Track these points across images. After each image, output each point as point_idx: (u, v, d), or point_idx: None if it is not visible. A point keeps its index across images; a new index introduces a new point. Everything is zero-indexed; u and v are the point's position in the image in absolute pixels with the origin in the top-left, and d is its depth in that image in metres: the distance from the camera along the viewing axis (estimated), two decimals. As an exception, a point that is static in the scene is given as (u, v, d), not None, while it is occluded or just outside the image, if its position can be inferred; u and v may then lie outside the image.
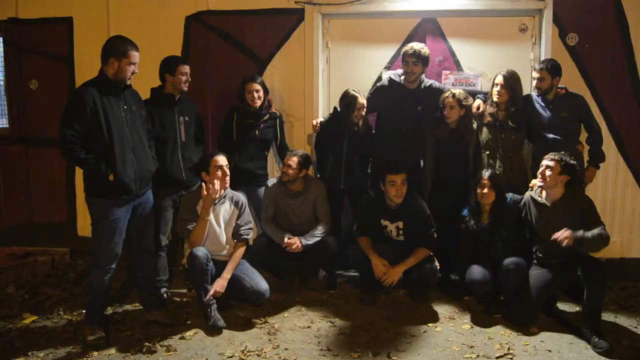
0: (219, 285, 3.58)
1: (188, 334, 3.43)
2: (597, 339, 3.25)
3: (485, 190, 3.65)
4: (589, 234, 3.33)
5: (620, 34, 4.26)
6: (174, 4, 4.64)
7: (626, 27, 4.24)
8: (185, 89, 3.87)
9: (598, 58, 4.29)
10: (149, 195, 3.53)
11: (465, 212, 3.79)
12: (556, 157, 3.44)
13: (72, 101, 3.18)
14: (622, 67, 4.28)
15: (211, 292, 3.54)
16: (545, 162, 3.47)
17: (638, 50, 4.26)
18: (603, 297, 3.39)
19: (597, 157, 4.04)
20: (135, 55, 3.27)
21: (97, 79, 3.25)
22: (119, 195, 3.27)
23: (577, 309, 3.75)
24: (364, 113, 4.07)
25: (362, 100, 4.03)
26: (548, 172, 3.44)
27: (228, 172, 3.67)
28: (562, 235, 3.32)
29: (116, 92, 3.26)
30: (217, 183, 3.59)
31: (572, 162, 3.44)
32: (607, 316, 3.65)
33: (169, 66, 3.82)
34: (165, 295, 3.89)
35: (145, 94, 3.89)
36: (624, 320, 3.63)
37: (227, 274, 3.64)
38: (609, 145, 4.25)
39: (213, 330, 3.45)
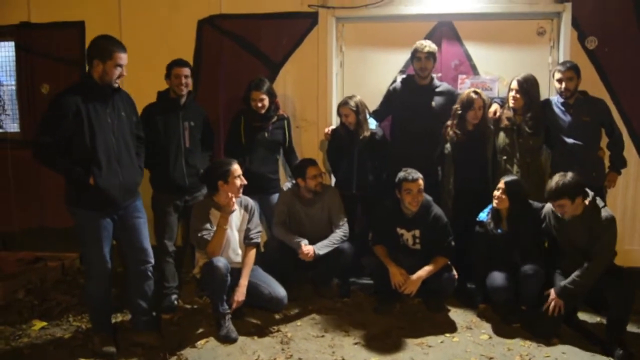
0: (240, 294, 3.54)
1: (199, 342, 3.36)
2: (620, 351, 3.15)
3: (499, 194, 3.57)
4: (574, 280, 3.28)
5: (641, 35, 4.17)
6: (186, 7, 4.60)
7: (647, 29, 4.16)
8: (182, 92, 3.79)
9: (618, 62, 4.20)
10: (138, 205, 3.30)
11: (482, 216, 3.71)
12: (560, 193, 3.22)
13: (51, 109, 2.97)
14: (643, 70, 4.19)
15: (234, 305, 3.50)
16: (554, 203, 3.30)
17: (659, 53, 4.16)
18: (629, 309, 3.27)
19: (619, 162, 3.94)
20: (121, 57, 3.01)
21: (81, 83, 3.05)
22: (101, 207, 3.08)
23: (599, 319, 3.64)
24: (352, 120, 4.01)
25: (346, 106, 3.99)
26: (565, 210, 3.28)
27: (245, 181, 3.59)
28: (550, 304, 3.34)
29: (103, 96, 3.04)
30: (239, 193, 3.53)
31: (577, 185, 3.24)
32: (630, 327, 3.53)
33: (167, 69, 3.80)
34: (176, 302, 3.84)
35: (154, 99, 3.87)
36: (646, 331, 3.53)
37: (244, 281, 3.58)
38: (629, 151, 4.15)
39: (225, 341, 3.37)
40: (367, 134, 4.01)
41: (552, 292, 3.37)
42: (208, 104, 4.27)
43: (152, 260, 3.36)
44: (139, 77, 4.60)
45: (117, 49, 3.01)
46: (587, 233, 3.30)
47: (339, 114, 4.11)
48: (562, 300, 3.33)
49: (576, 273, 3.29)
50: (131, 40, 4.58)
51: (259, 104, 4.00)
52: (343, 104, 4.04)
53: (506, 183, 3.57)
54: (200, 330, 3.53)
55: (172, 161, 3.78)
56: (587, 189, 3.32)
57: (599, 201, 3.33)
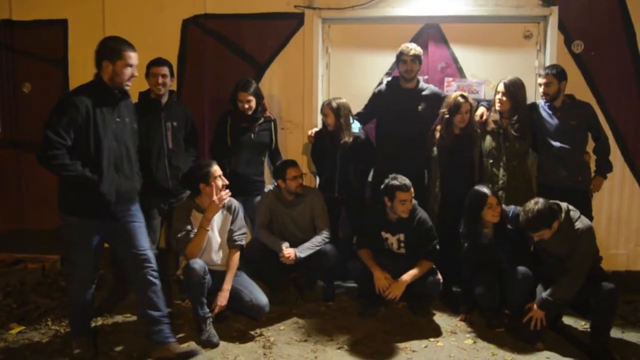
0: (222, 298, 3.48)
1: (181, 346, 3.29)
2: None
3: (495, 208, 3.50)
4: (553, 292, 3.25)
5: (627, 41, 4.17)
6: (171, 6, 4.54)
7: (633, 34, 4.16)
8: (160, 91, 3.73)
9: (604, 66, 4.20)
10: (133, 210, 3.17)
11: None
12: (540, 224, 3.17)
13: (64, 107, 2.85)
14: (629, 76, 4.19)
15: (216, 310, 3.45)
16: (533, 235, 3.25)
17: (645, 55, 4.17)
18: (613, 315, 3.27)
19: (605, 166, 3.94)
20: (131, 56, 2.94)
21: (92, 86, 2.96)
22: (98, 214, 2.97)
23: (583, 323, 3.63)
24: (331, 122, 3.97)
25: (326, 107, 3.98)
26: (544, 237, 3.23)
27: (226, 181, 3.54)
28: (531, 314, 3.33)
29: (112, 101, 2.97)
30: (224, 193, 3.47)
31: (551, 210, 3.18)
32: (614, 332, 3.52)
33: (146, 69, 3.73)
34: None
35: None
36: (632, 336, 3.51)
37: (227, 285, 3.52)
38: (615, 155, 4.14)
39: (206, 346, 3.31)
40: (348, 139, 3.96)
41: (534, 305, 3.34)
42: (193, 105, 4.21)
43: (153, 264, 3.16)
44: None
45: (127, 48, 2.95)
46: (565, 244, 3.27)
47: (322, 112, 4.07)
48: (544, 312, 3.30)
49: (555, 285, 3.27)
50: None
51: (246, 105, 3.95)
52: (326, 104, 4.01)
53: (494, 194, 3.54)
54: (181, 335, 3.46)
55: (155, 163, 3.73)
56: (559, 203, 3.27)
57: (572, 213, 3.27)
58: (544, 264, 3.48)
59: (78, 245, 3.07)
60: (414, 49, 3.93)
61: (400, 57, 3.96)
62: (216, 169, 3.50)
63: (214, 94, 4.53)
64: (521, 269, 3.48)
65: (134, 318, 3.71)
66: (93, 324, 3.47)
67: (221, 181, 3.50)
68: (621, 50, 4.19)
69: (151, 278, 3.13)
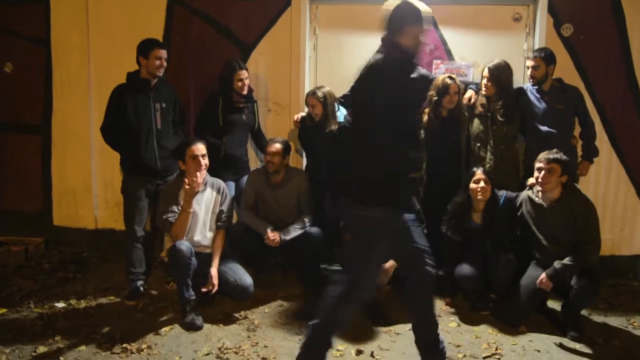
0: (214, 276, 3.49)
1: (164, 329, 3.29)
2: (574, 333, 3.26)
3: (483, 185, 3.52)
4: (568, 264, 3.24)
5: (616, 25, 4.13)
6: (156, -15, 4.44)
7: (622, 18, 4.12)
8: (159, 74, 3.70)
9: (593, 50, 4.17)
10: None
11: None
12: (556, 158, 3.26)
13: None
14: (617, 60, 4.16)
15: (212, 288, 3.47)
16: (542, 164, 3.28)
17: (634, 43, 4.13)
18: (591, 301, 3.37)
19: (591, 151, 3.94)
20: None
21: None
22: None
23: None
24: (318, 112, 3.93)
25: (312, 97, 3.94)
26: (548, 175, 3.27)
27: (203, 162, 3.49)
28: (540, 283, 3.30)
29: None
30: (199, 175, 3.42)
31: (567, 160, 3.31)
32: (596, 316, 3.57)
33: (143, 50, 3.65)
34: (142, 288, 3.75)
35: (124, 79, 3.74)
36: (613, 320, 3.54)
37: (215, 270, 3.52)
38: (601, 139, 4.14)
39: (189, 328, 3.30)
40: (333, 127, 3.92)
41: (544, 274, 3.30)
42: (178, 85, 4.13)
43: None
44: (107, 58, 4.50)
45: None
46: (567, 219, 3.29)
47: (306, 103, 4.02)
48: (552, 282, 3.28)
49: (569, 258, 3.25)
50: (98, 20, 4.51)
51: (245, 82, 3.98)
52: (311, 94, 3.96)
53: (484, 172, 3.56)
54: (166, 317, 3.46)
55: (144, 143, 3.69)
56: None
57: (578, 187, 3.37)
58: (536, 245, 3.49)
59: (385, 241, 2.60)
60: None
61: None
62: (195, 149, 3.46)
63: (200, 74, 4.46)
64: (505, 255, 3.49)
65: (118, 300, 3.69)
66: (76, 307, 3.44)
67: (195, 164, 3.44)
68: (610, 34, 4.15)
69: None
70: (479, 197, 3.54)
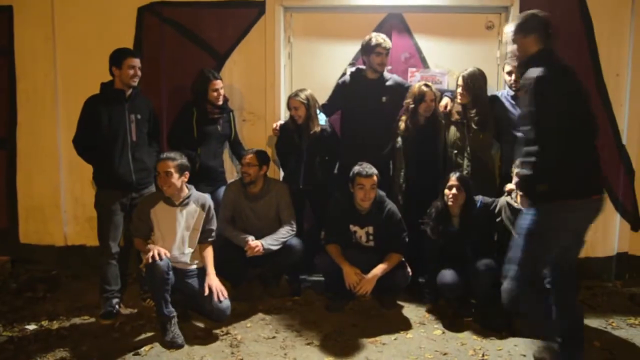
0: (212, 279, 3.47)
1: (143, 349, 3.17)
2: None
3: (455, 192, 3.54)
4: None
5: (585, 33, 4.22)
6: (126, -7, 4.33)
7: (591, 27, 4.21)
8: (134, 84, 3.59)
9: (563, 56, 4.17)
10: None
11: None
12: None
13: None
14: (587, 66, 4.24)
15: (221, 294, 3.42)
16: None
17: (602, 51, 4.23)
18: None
19: (565, 156, 3.99)
20: None
21: None
22: None
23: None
24: (302, 112, 3.90)
25: (294, 99, 3.90)
26: None
27: (170, 178, 3.39)
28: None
29: None
30: (155, 250, 3.30)
31: None
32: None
33: (116, 59, 3.54)
34: (117, 306, 3.62)
35: (93, 89, 3.62)
36: (593, 321, 3.59)
37: (211, 271, 3.51)
38: (574, 144, 4.21)
39: (170, 347, 3.19)
40: (317, 129, 3.91)
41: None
42: (150, 96, 4.02)
43: None
44: (76, 67, 4.35)
45: None
46: None
47: (288, 107, 3.98)
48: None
49: None
50: (65, 28, 4.37)
51: (220, 92, 3.94)
52: (293, 96, 3.91)
53: (458, 178, 3.57)
54: (144, 336, 3.34)
55: (118, 156, 3.57)
56: None
57: None
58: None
59: None
60: (388, 41, 3.92)
61: (375, 49, 3.88)
62: (162, 165, 3.39)
63: (172, 85, 4.35)
64: (484, 260, 3.50)
65: (92, 320, 3.55)
66: (48, 328, 3.29)
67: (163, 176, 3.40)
68: (579, 42, 4.24)
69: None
70: (450, 203, 3.57)
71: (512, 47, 2.83)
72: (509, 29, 2.83)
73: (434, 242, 3.67)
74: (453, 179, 3.58)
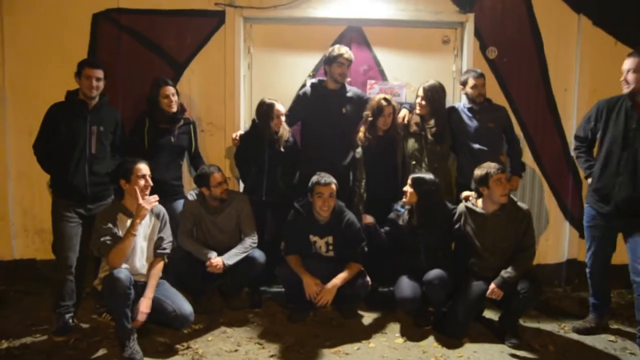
0: (145, 305, 3.26)
1: (101, 366, 3.07)
2: (514, 340, 3.43)
3: (406, 189, 3.64)
4: (513, 272, 3.39)
5: (535, 48, 4.41)
6: (80, -1, 4.21)
7: (540, 42, 4.40)
8: (92, 94, 3.49)
9: (516, 71, 4.42)
10: None
11: (397, 206, 3.79)
12: (504, 169, 3.52)
13: None
14: (537, 81, 4.43)
15: (138, 318, 3.21)
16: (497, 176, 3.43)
17: (551, 65, 4.43)
18: (536, 301, 3.53)
19: (519, 166, 4.14)
20: None
21: None
22: None
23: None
24: (283, 120, 3.93)
25: (279, 107, 3.90)
26: (507, 184, 3.50)
27: (151, 182, 3.37)
28: (491, 293, 3.41)
29: None
30: (152, 197, 3.30)
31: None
32: (530, 322, 3.73)
33: (78, 68, 3.47)
34: (71, 321, 3.48)
35: (44, 97, 3.50)
36: (547, 325, 3.72)
37: (149, 293, 3.33)
38: (525, 155, 4.38)
39: (129, 363, 3.09)
40: (291, 139, 3.99)
41: (493, 284, 3.40)
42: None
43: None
44: (25, 73, 4.19)
45: None
46: (509, 228, 3.45)
47: (271, 115, 3.89)
48: (502, 291, 3.39)
49: (512, 266, 3.40)
50: (15, 32, 4.20)
51: (172, 99, 3.86)
52: (278, 106, 3.91)
53: (412, 179, 3.65)
54: (101, 353, 3.23)
55: (74, 167, 3.46)
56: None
57: (512, 196, 3.55)
58: (474, 257, 3.58)
59: None
60: (351, 53, 3.97)
61: (337, 59, 3.93)
62: (141, 168, 3.33)
63: (129, 95, 4.25)
64: (437, 272, 3.54)
65: (45, 337, 3.40)
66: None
67: (144, 182, 3.32)
68: (529, 57, 4.42)
69: None
70: (405, 199, 3.65)
71: (632, 76, 3.18)
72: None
73: (391, 232, 3.78)
74: (409, 178, 3.66)
